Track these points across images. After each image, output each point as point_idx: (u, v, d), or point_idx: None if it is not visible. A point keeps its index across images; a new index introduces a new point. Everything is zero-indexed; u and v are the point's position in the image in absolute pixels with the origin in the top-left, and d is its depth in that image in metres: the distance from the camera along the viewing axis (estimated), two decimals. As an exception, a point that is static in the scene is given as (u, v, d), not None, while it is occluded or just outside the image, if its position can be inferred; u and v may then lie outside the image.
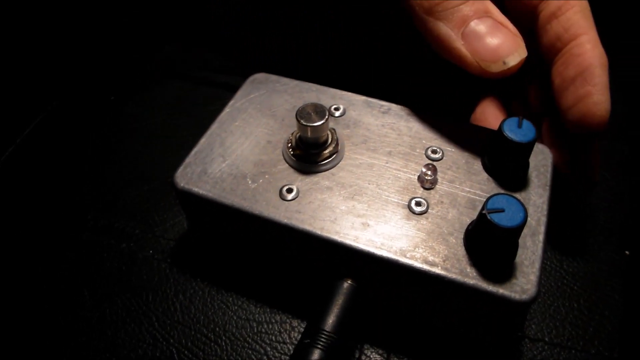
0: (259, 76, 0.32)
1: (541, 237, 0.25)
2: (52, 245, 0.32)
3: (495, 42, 0.26)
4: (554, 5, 0.28)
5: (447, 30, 0.27)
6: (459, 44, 0.27)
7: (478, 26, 0.27)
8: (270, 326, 0.28)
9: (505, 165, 0.27)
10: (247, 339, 0.28)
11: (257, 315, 0.29)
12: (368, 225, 0.25)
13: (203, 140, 0.29)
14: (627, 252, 0.31)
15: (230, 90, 0.33)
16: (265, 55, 0.43)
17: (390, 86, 0.31)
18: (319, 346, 0.23)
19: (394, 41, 0.39)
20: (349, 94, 0.31)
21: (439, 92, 0.36)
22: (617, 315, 0.29)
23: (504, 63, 0.26)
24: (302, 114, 0.26)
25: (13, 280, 0.31)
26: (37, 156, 0.38)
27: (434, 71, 0.37)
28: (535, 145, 0.28)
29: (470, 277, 0.23)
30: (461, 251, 0.24)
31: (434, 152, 0.28)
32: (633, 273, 0.30)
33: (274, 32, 0.44)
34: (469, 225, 0.25)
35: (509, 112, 0.32)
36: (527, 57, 0.27)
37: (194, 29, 0.48)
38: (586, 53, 0.27)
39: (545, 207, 0.26)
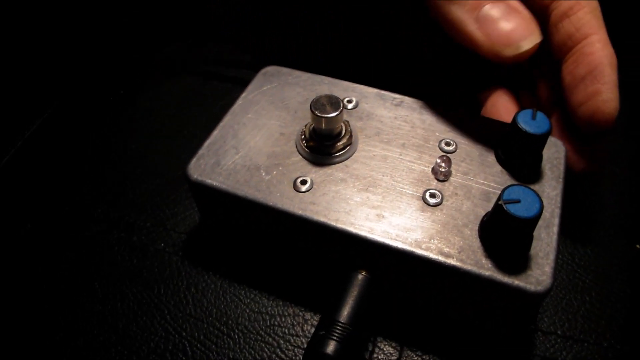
0: (271, 69, 0.32)
1: (555, 229, 0.25)
2: (63, 239, 0.32)
3: (509, 26, 0.26)
4: (566, 5, 0.28)
5: (461, 14, 0.27)
6: (472, 28, 0.27)
7: (492, 10, 0.26)
8: (283, 319, 0.28)
9: (519, 157, 0.27)
10: (260, 332, 0.28)
11: (269, 308, 0.29)
12: (383, 217, 0.25)
13: (216, 132, 0.29)
14: (638, 246, 0.31)
15: (240, 84, 0.33)
16: (266, 55, 0.43)
17: (390, 86, 0.31)
18: (334, 337, 0.23)
19: (394, 41, 0.39)
20: (361, 86, 0.31)
21: (439, 92, 0.36)
22: (628, 309, 0.29)
23: (518, 47, 0.26)
24: (316, 105, 0.26)
25: (25, 274, 0.31)
26: (48, 151, 0.38)
27: (434, 71, 0.37)
28: (548, 138, 0.28)
29: (485, 268, 0.23)
30: (476, 243, 0.24)
31: (448, 144, 0.28)
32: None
33: (274, 32, 0.44)
34: (483, 217, 0.25)
35: (520, 105, 0.32)
36: (541, 42, 0.27)
37: (203, 23, 0.48)
38: (596, 52, 0.27)
39: (559, 199, 0.26)
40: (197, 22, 0.48)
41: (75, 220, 0.33)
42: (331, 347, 0.23)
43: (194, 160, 0.28)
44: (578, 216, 0.33)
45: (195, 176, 0.27)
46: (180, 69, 0.44)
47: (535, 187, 0.27)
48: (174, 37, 0.47)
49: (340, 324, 0.23)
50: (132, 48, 0.46)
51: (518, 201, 0.23)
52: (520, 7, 0.27)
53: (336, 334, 0.23)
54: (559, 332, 0.28)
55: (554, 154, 0.28)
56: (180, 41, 0.47)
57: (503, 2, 0.27)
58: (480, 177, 0.27)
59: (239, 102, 0.30)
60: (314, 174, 0.27)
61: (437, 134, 0.29)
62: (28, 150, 0.38)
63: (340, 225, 0.25)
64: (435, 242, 0.24)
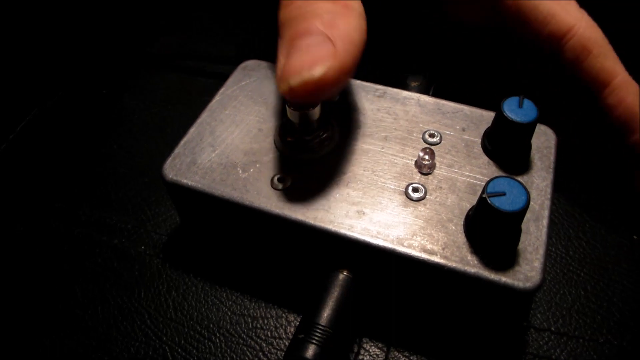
0: (251, 63, 0.31)
1: (545, 222, 0.24)
2: (43, 241, 0.32)
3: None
4: (575, 53, 0.28)
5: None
6: None
7: None
8: (266, 321, 0.27)
9: (506, 147, 0.26)
10: (242, 335, 0.27)
11: (251, 311, 0.28)
12: (363, 214, 0.24)
13: (192, 130, 0.28)
14: (635, 237, 0.30)
15: (225, 79, 0.32)
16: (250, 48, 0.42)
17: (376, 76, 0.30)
18: (314, 341, 0.22)
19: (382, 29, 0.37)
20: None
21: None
22: (626, 302, 0.28)
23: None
24: (291, 99, 0.25)
25: (3, 277, 0.30)
26: (28, 151, 0.37)
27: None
28: (537, 127, 0.27)
29: (471, 265, 0.22)
30: (461, 238, 0.23)
31: (432, 135, 0.27)
32: (642, 258, 0.29)
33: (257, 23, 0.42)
34: (469, 211, 0.24)
35: None
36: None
37: (188, 19, 0.47)
38: (625, 100, 0.28)
39: (549, 190, 0.25)
40: (183, 17, 0.47)
41: (56, 223, 0.33)
42: (310, 351, 0.22)
43: (169, 159, 0.27)
44: (572, 206, 0.31)
45: (170, 176, 0.26)
46: (163, 65, 0.43)
47: (524, 178, 0.26)
48: (157, 33, 0.46)
49: (320, 327, 0.22)
50: (113, 46, 0.45)
51: (503, 194, 0.22)
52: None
53: (316, 337, 0.22)
54: (552, 328, 0.27)
55: (544, 143, 0.27)
56: (163, 37, 0.46)
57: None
58: (465, 169, 0.26)
59: (217, 97, 0.29)
60: (292, 171, 0.26)
61: (420, 125, 0.27)
62: (9, 150, 0.38)
63: (318, 223, 0.24)
64: (418, 238, 0.23)
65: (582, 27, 0.28)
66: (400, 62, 0.34)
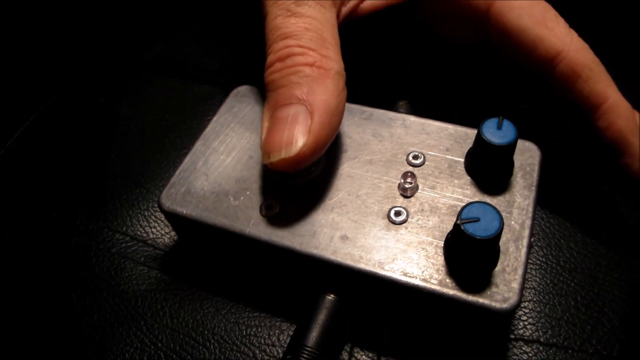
0: (242, 89, 0.32)
1: (525, 242, 0.24)
2: (41, 250, 0.33)
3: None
4: (565, 77, 0.28)
5: None
6: None
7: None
8: (260, 329, 0.28)
9: (487, 168, 0.26)
10: (236, 341, 0.28)
11: (246, 319, 0.29)
12: (347, 238, 0.25)
13: (187, 159, 0.29)
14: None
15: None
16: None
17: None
18: (301, 362, 0.23)
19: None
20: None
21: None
22: (616, 312, 0.28)
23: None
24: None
25: (1, 286, 0.31)
26: (26, 159, 0.38)
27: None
28: (521, 143, 0.28)
29: (449, 287, 0.23)
30: (440, 261, 0.24)
31: (416, 157, 0.28)
32: (633, 268, 0.29)
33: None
34: (448, 234, 0.25)
35: None
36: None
37: (185, 25, 0.47)
38: (615, 124, 0.28)
39: (530, 209, 0.26)
40: (180, 25, 0.47)
41: (55, 231, 0.34)
42: (298, 372, 0.23)
43: (166, 188, 0.28)
44: (562, 216, 0.32)
45: (167, 205, 0.28)
46: (160, 72, 0.43)
47: (506, 196, 0.26)
48: (154, 39, 0.46)
49: (307, 348, 0.24)
50: (109, 53, 0.45)
51: (477, 220, 0.22)
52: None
53: (303, 358, 0.24)
54: (541, 339, 0.28)
55: (528, 160, 0.27)
56: (160, 43, 0.46)
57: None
58: (447, 191, 0.26)
59: (211, 125, 0.31)
60: (280, 198, 0.27)
61: (405, 147, 0.28)
62: (5, 159, 0.38)
63: (304, 249, 0.25)
64: (399, 262, 0.24)
65: (571, 50, 0.28)
66: (389, 84, 0.35)
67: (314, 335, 0.24)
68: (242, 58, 0.44)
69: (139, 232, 0.33)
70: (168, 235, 0.33)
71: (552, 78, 0.28)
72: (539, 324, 0.28)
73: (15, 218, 0.35)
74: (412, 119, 0.29)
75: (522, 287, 0.23)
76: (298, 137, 0.24)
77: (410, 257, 0.24)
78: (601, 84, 0.28)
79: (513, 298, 0.23)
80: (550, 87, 0.29)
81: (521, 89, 0.33)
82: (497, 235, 0.22)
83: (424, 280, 0.24)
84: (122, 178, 0.36)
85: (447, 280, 0.23)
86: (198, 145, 0.30)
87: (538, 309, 0.29)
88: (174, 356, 0.28)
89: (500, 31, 0.29)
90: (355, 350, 0.28)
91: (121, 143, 0.39)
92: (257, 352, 0.28)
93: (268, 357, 0.28)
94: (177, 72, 0.44)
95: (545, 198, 0.32)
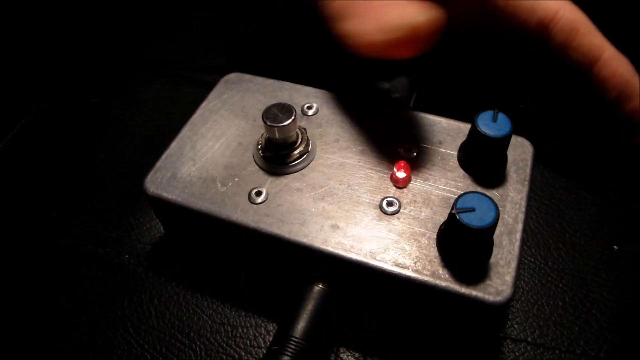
0: (233, 76, 0.32)
1: (518, 236, 0.24)
2: (28, 250, 0.32)
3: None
4: (564, 34, 0.28)
5: None
6: None
7: None
8: (245, 330, 0.28)
9: (481, 161, 0.26)
10: (222, 343, 0.27)
11: (231, 320, 0.28)
12: (338, 227, 0.24)
13: (174, 144, 0.28)
14: (615, 247, 0.30)
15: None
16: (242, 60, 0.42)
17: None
18: (288, 353, 0.22)
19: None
20: (324, 91, 0.30)
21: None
22: (604, 313, 0.28)
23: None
24: (268, 115, 0.26)
25: None
26: (15, 160, 0.38)
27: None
28: (514, 138, 0.27)
29: (442, 279, 0.23)
30: (433, 252, 0.24)
31: (409, 149, 0.27)
32: (621, 269, 0.29)
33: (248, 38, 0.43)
34: (441, 225, 0.24)
35: None
36: None
37: (178, 27, 0.47)
38: (618, 70, 0.28)
39: (523, 203, 0.25)
40: (172, 25, 0.47)
41: (42, 232, 0.33)
42: (283, 363, 0.22)
43: (151, 173, 0.27)
44: (551, 216, 0.32)
45: (152, 190, 0.27)
46: (152, 74, 0.43)
47: (499, 190, 0.26)
48: (147, 41, 0.46)
49: (294, 339, 0.23)
50: (102, 54, 0.45)
51: (472, 209, 0.22)
52: None
53: (289, 350, 0.23)
54: (529, 339, 0.27)
55: (520, 155, 0.27)
56: (153, 45, 0.46)
57: None
58: (440, 183, 0.26)
59: (199, 111, 0.30)
60: (269, 185, 0.26)
61: (398, 138, 0.28)
62: None
63: (293, 237, 0.24)
64: (391, 252, 0.24)
65: (566, 9, 0.28)
66: (382, 72, 0.35)
67: (301, 325, 0.23)
68: (240, 59, 0.43)
69: (125, 232, 0.33)
70: (154, 235, 0.32)
71: (552, 39, 0.28)
72: (527, 324, 0.28)
73: (3, 218, 0.34)
74: (405, 111, 0.29)
75: (516, 281, 0.23)
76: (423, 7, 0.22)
77: (402, 247, 0.24)
78: (598, 37, 0.28)
79: (507, 291, 0.22)
80: (547, 56, 0.29)
81: (521, 89, 0.33)
82: (493, 226, 0.22)
83: (417, 271, 0.23)
84: (111, 179, 0.36)
85: (440, 272, 0.23)
86: (185, 131, 0.29)
87: (526, 309, 0.28)
88: (160, 358, 0.27)
89: (501, 4, 0.29)
90: (341, 350, 0.27)
91: (111, 144, 0.38)
92: (243, 353, 0.27)
93: (253, 359, 0.27)
94: (169, 74, 0.43)
95: (534, 199, 0.32)
